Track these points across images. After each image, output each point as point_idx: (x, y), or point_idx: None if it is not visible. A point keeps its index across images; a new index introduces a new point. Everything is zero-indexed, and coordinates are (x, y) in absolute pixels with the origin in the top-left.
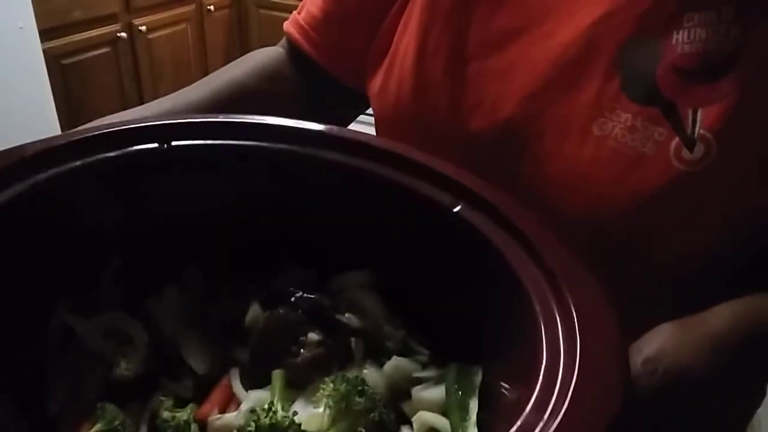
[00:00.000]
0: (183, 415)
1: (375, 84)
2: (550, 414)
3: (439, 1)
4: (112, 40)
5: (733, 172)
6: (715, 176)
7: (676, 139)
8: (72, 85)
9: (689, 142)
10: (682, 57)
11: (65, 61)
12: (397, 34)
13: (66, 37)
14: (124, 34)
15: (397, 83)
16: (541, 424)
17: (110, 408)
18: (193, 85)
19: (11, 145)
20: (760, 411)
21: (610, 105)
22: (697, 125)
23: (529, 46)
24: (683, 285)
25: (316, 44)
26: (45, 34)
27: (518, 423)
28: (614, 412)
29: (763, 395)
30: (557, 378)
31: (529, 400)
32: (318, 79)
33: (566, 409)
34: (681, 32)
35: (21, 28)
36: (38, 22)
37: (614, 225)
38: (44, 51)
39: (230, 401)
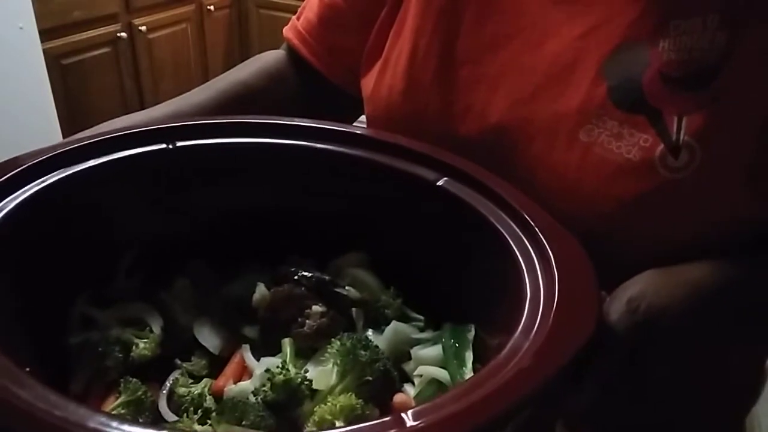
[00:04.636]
0: (197, 388)
1: (367, 86)
2: (534, 335)
3: (431, 6)
4: (112, 40)
5: (717, 178)
6: (699, 182)
7: (662, 146)
8: (72, 85)
9: (674, 149)
10: (668, 64)
11: (65, 61)
12: (390, 39)
13: (66, 37)
14: (124, 34)
15: (388, 86)
16: (527, 344)
17: (133, 381)
18: (198, 87)
19: (11, 145)
20: (759, 410)
21: (596, 112)
22: (682, 132)
23: (518, 53)
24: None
25: (314, 50)
26: (45, 34)
27: (509, 345)
28: (589, 334)
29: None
30: (539, 310)
31: (515, 332)
32: (317, 83)
33: (548, 332)
34: (667, 40)
35: (21, 28)
36: (38, 22)
37: (600, 228)
38: (44, 51)
39: (243, 374)
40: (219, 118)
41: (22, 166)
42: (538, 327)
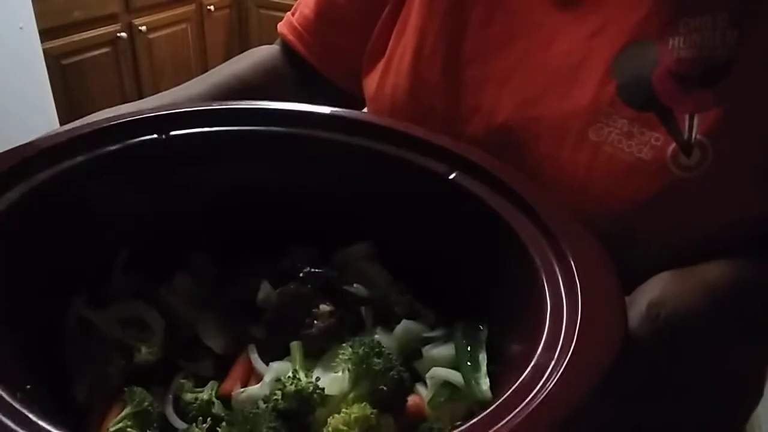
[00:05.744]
0: (204, 394)
1: (370, 85)
2: (559, 352)
3: (435, 5)
4: (112, 40)
5: (729, 176)
6: (712, 181)
7: (673, 145)
8: (72, 85)
9: (686, 148)
10: (678, 62)
11: (65, 61)
12: (393, 38)
13: (66, 37)
14: (124, 34)
15: (392, 86)
16: (552, 363)
17: (138, 390)
18: (192, 80)
19: (11, 145)
20: (760, 410)
21: (606, 110)
22: (694, 130)
23: (526, 52)
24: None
25: (309, 46)
26: (45, 34)
27: (532, 363)
28: (617, 350)
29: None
30: (562, 322)
31: (537, 346)
32: (312, 80)
33: (574, 348)
34: (677, 38)
35: (21, 28)
36: (38, 22)
37: (611, 228)
38: (44, 51)
39: (250, 376)
40: (215, 105)
41: (13, 162)
42: (562, 343)
